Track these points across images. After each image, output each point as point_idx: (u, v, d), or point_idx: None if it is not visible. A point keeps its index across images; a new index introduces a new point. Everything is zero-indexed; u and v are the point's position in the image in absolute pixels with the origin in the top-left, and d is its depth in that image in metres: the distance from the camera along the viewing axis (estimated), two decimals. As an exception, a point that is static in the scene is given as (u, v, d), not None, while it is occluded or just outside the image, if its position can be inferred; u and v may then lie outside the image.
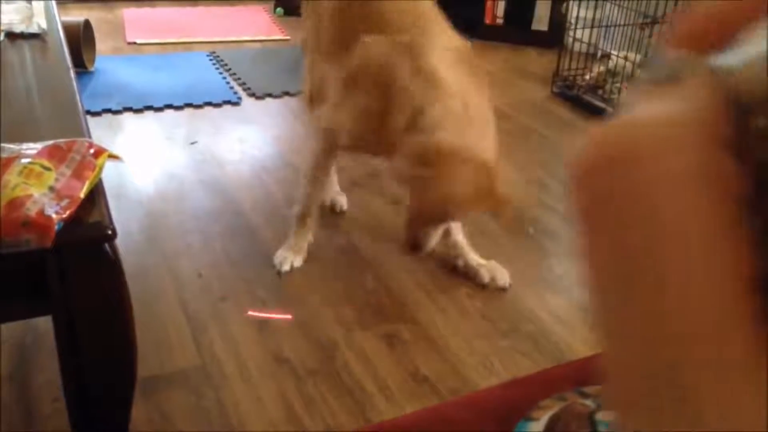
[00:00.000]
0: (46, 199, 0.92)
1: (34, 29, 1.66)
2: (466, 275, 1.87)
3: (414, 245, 1.62)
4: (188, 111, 2.83)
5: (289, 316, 1.68)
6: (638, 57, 3.09)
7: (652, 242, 0.20)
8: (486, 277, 1.86)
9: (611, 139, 0.21)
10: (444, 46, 1.61)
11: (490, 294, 1.84)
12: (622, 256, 0.21)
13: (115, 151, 1.07)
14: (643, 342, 0.21)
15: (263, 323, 1.69)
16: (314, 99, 1.86)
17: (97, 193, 1.00)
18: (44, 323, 1.15)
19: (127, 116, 2.76)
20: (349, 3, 1.74)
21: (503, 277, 1.86)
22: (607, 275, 0.22)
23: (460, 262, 1.89)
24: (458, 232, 1.91)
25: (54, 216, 0.90)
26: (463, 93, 1.54)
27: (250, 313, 1.69)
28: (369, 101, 1.60)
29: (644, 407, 0.21)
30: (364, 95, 1.62)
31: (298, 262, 1.86)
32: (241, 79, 3.14)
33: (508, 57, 3.69)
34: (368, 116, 1.61)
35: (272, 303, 1.75)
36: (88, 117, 1.40)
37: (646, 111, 0.21)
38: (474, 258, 1.89)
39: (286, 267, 1.84)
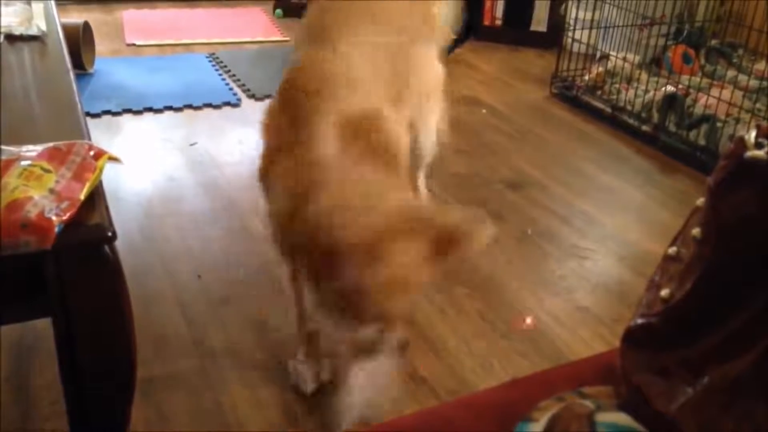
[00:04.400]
0: (46, 201, 0.92)
1: (33, 31, 1.66)
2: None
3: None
4: (187, 112, 2.83)
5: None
6: (637, 58, 3.10)
7: None
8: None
9: None
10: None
11: (489, 294, 1.84)
12: None
13: (114, 153, 1.07)
14: None
15: (262, 324, 1.69)
16: None
17: (96, 195, 1.00)
18: (43, 325, 1.15)
19: (127, 118, 2.76)
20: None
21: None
22: None
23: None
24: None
25: (54, 218, 0.90)
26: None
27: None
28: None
29: None
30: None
31: (324, 374, 1.49)
32: (240, 81, 3.14)
33: (506, 58, 3.69)
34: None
35: (271, 304, 1.75)
36: (88, 119, 1.40)
37: None
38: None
39: (311, 386, 1.47)
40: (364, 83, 1.41)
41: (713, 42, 3.25)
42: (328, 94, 1.32)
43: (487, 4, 3.87)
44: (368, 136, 1.29)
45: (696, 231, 0.75)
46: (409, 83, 1.60)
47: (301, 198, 1.19)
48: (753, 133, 0.72)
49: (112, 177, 1.14)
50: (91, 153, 1.03)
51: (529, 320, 1.74)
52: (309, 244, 1.14)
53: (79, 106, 1.33)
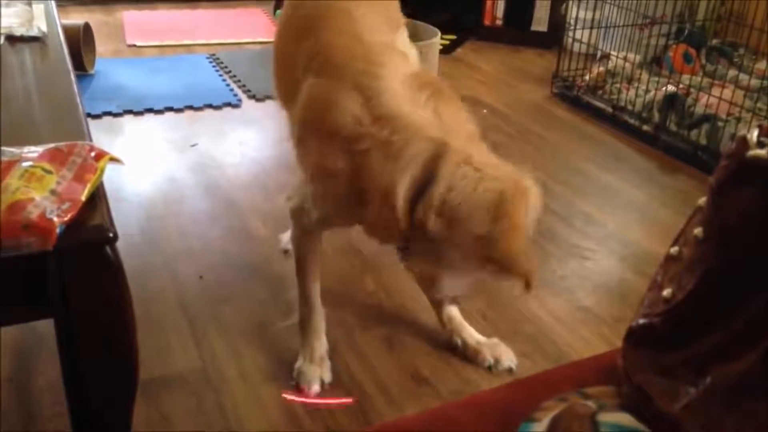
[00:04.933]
0: (47, 202, 0.92)
1: (34, 32, 1.66)
2: (465, 356, 1.61)
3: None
4: (188, 113, 2.83)
5: (348, 400, 1.48)
6: (638, 57, 3.10)
7: None
8: (488, 359, 1.58)
9: None
10: (401, 78, 1.29)
11: (491, 295, 1.84)
12: None
13: (115, 154, 1.07)
14: None
15: (263, 324, 1.69)
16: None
17: (98, 196, 1.00)
18: (45, 326, 1.15)
19: (127, 119, 2.76)
20: (294, 33, 1.51)
21: (508, 357, 1.59)
22: None
23: (457, 341, 1.63)
24: (452, 307, 1.65)
25: (55, 219, 0.90)
26: (439, 119, 1.27)
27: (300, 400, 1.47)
28: (331, 175, 1.29)
29: None
30: (322, 163, 1.31)
31: (327, 375, 1.52)
32: (241, 81, 3.14)
33: (507, 58, 3.69)
34: (336, 197, 1.33)
35: (271, 305, 1.75)
36: (89, 120, 1.40)
37: None
38: (472, 335, 1.63)
39: (316, 387, 1.49)
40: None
41: (714, 41, 3.25)
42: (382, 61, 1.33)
43: (488, 4, 3.87)
44: (434, 84, 1.33)
45: (698, 230, 0.75)
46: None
47: (428, 163, 1.19)
48: (755, 133, 0.72)
49: (113, 178, 1.14)
50: (92, 154, 1.03)
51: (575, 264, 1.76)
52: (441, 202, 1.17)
53: (79, 107, 1.33)
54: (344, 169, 1.27)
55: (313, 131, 1.35)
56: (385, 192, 1.22)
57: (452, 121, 1.29)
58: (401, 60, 1.38)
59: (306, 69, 1.40)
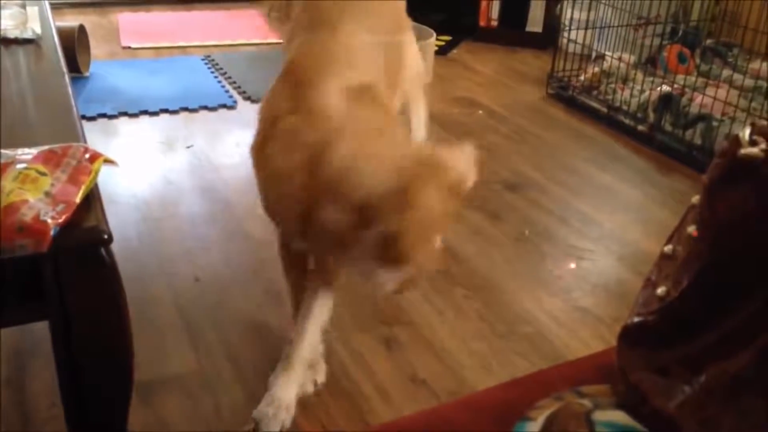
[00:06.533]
0: (41, 204, 0.92)
1: (28, 34, 1.66)
2: None
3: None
4: (184, 115, 2.83)
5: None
6: (632, 58, 3.10)
7: None
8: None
9: None
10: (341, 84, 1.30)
11: (488, 295, 1.84)
12: None
13: (110, 156, 1.07)
14: None
15: (260, 325, 1.69)
16: None
17: (92, 197, 1.00)
18: (41, 328, 1.15)
19: (123, 121, 2.75)
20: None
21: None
22: None
23: None
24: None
25: (50, 221, 0.90)
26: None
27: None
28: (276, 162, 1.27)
29: None
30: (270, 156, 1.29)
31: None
32: (236, 83, 3.14)
33: (502, 59, 3.69)
34: (277, 179, 1.28)
35: (269, 306, 1.75)
36: (84, 122, 1.40)
37: None
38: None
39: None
40: (361, 66, 1.44)
41: (708, 41, 3.25)
42: (328, 70, 1.33)
43: (483, 5, 3.88)
44: (372, 101, 1.32)
45: (691, 229, 0.75)
46: (400, 70, 1.65)
47: (317, 148, 1.17)
48: (747, 131, 0.72)
49: (108, 180, 1.14)
50: (87, 156, 1.03)
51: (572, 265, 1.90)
52: (334, 193, 1.13)
53: (74, 109, 1.33)
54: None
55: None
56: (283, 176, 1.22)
57: (367, 117, 1.27)
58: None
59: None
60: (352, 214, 1.12)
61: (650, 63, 3.18)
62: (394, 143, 1.24)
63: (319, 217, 1.16)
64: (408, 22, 1.73)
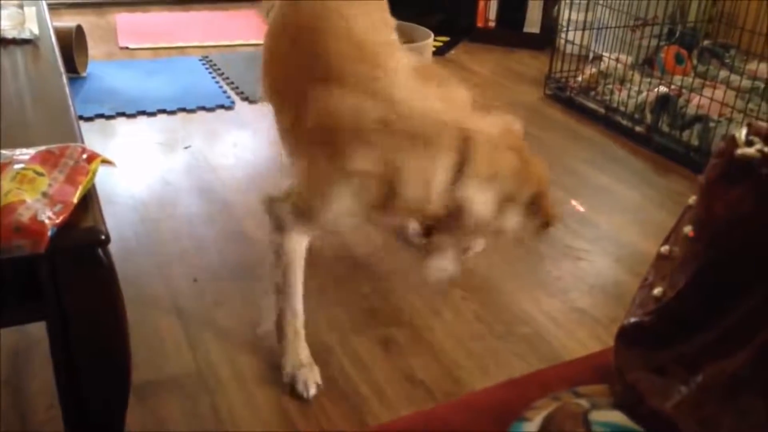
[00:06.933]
0: (39, 204, 0.91)
1: (26, 35, 1.66)
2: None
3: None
4: (181, 115, 2.83)
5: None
6: (630, 59, 3.11)
7: None
8: None
9: None
10: (408, 75, 1.40)
11: (485, 296, 1.84)
12: None
13: (108, 156, 1.07)
14: None
15: (257, 326, 1.68)
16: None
17: (90, 198, 1.00)
18: (38, 329, 1.14)
19: (120, 121, 2.75)
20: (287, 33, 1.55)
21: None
22: None
23: None
24: None
25: (47, 221, 0.90)
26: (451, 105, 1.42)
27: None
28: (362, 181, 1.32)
29: None
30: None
31: (317, 378, 1.51)
32: (234, 84, 3.14)
33: (500, 59, 3.70)
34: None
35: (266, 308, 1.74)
36: (81, 122, 1.40)
37: None
38: None
39: (312, 390, 1.48)
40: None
41: (705, 42, 3.26)
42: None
43: (481, 6, 3.88)
44: (436, 75, 1.54)
45: (688, 229, 0.76)
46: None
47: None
48: (743, 131, 0.72)
49: (106, 181, 1.14)
50: (84, 156, 1.03)
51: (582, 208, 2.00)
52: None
53: (72, 109, 1.33)
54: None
55: (330, 144, 1.35)
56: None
57: (461, 104, 1.50)
58: (403, 56, 1.46)
59: (308, 75, 1.42)
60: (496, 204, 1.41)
61: (647, 64, 3.19)
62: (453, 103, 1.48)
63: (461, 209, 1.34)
64: (392, 22, 1.72)
